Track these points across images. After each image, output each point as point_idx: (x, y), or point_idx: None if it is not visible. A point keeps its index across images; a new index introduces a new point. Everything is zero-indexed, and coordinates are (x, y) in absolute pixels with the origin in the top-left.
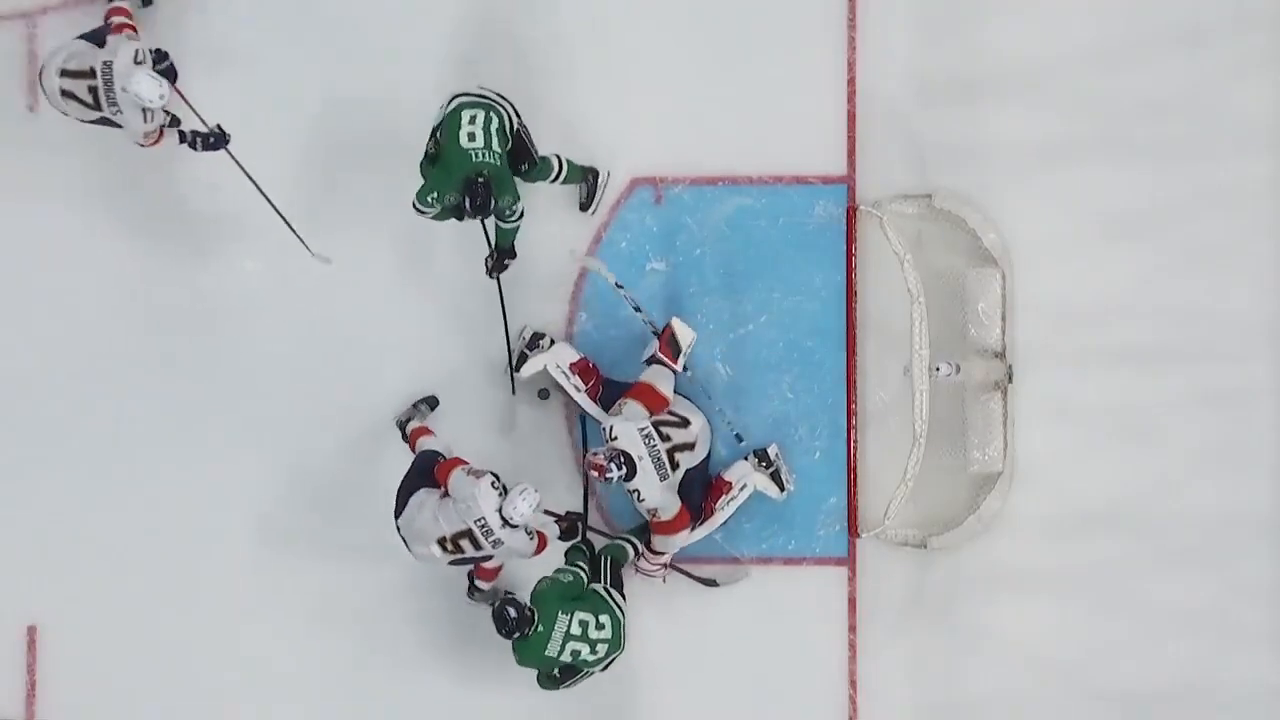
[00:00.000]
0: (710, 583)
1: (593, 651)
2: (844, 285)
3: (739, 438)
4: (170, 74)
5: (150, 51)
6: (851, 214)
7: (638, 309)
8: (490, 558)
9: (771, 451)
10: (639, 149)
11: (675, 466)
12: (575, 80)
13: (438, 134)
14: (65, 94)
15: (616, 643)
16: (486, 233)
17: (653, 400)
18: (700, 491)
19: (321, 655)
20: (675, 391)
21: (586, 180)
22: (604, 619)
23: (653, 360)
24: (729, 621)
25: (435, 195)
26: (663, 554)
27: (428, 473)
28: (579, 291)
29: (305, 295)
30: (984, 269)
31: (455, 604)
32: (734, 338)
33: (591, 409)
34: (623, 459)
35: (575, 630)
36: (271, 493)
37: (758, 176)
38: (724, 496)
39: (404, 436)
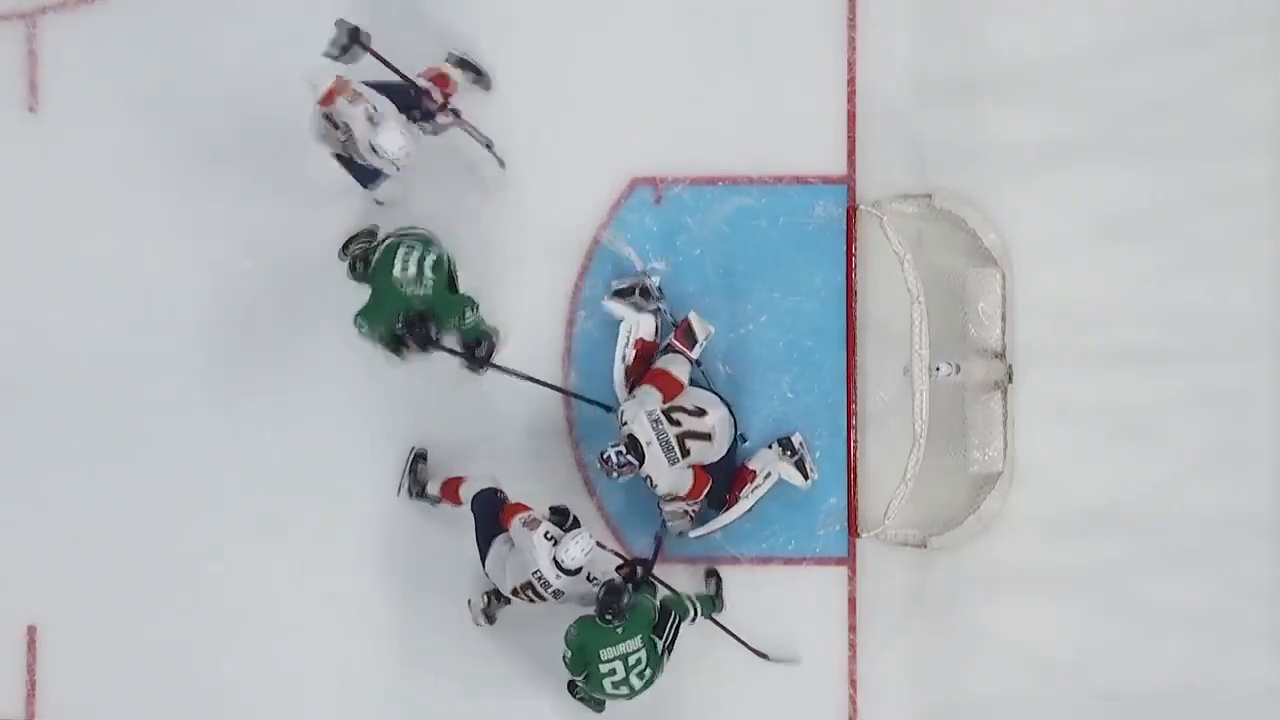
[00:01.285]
0: (762, 655)
1: (614, 687)
2: (844, 285)
3: (743, 438)
4: (363, 42)
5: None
6: (851, 214)
7: (661, 296)
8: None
9: (795, 440)
10: (639, 149)
11: (686, 453)
12: (575, 79)
13: (369, 263)
14: (324, 134)
15: (632, 695)
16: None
17: (667, 384)
18: (724, 482)
19: (322, 656)
20: (696, 384)
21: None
22: (648, 672)
23: (669, 349)
24: (729, 622)
25: (364, 324)
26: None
27: (496, 517)
28: (578, 290)
29: (304, 295)
30: (984, 269)
31: (457, 607)
32: (734, 338)
33: (619, 386)
34: (627, 448)
35: (633, 661)
36: (272, 492)
37: (758, 176)
38: (748, 485)
39: (431, 501)
